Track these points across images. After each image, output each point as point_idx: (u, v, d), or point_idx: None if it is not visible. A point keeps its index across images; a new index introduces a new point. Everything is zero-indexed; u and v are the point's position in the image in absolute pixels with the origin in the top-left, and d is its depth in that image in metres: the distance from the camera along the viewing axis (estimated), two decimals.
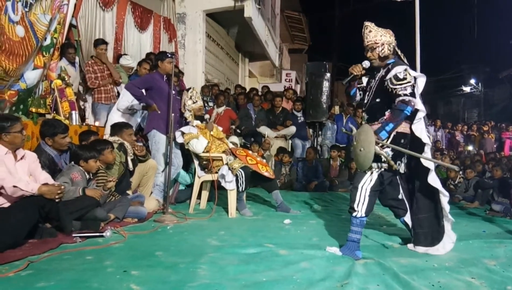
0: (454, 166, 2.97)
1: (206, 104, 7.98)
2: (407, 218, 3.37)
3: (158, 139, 4.81)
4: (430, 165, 3.09)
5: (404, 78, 2.97)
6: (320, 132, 8.88)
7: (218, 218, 4.45)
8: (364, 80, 3.40)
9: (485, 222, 4.84)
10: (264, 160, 5.22)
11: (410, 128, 3.10)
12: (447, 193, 3.16)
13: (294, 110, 8.67)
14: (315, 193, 6.84)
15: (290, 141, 8.61)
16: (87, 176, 3.80)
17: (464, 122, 15.17)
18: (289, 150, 8.32)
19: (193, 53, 9.23)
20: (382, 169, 3.03)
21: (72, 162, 3.84)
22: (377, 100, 3.15)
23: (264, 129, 8.27)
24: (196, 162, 4.85)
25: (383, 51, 3.11)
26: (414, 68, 8.19)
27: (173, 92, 4.69)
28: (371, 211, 3.07)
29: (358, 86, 3.38)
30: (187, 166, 5.40)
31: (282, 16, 16.25)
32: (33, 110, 4.70)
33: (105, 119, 5.48)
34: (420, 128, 3.07)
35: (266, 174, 4.70)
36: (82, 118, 5.47)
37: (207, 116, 5.07)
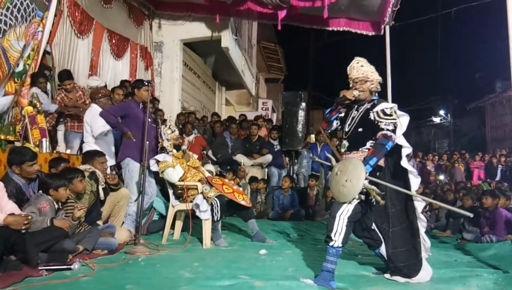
0: (468, 212, 3.09)
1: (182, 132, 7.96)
2: (382, 250, 3.39)
3: (132, 168, 4.74)
4: (412, 192, 3.19)
5: (390, 115, 3.13)
6: (296, 161, 8.94)
7: (192, 249, 4.36)
8: (342, 110, 3.50)
9: (456, 250, 4.91)
10: (241, 188, 5.20)
11: (385, 161, 3.24)
12: (424, 219, 3.25)
13: (270, 138, 8.73)
14: (291, 222, 6.82)
15: (266, 170, 8.63)
16: (56, 206, 3.68)
17: (434, 152, 15.59)
18: (265, 178, 8.32)
19: (169, 81, 9.26)
20: (359, 200, 3.06)
21: (40, 191, 3.71)
22: (359, 129, 3.25)
23: (240, 157, 8.27)
24: (170, 191, 4.78)
25: (372, 86, 3.29)
26: (385, 99, 8.42)
27: (149, 120, 4.66)
28: (347, 241, 3.08)
29: (339, 115, 3.47)
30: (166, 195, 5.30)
31: (259, 46, 16.58)
32: (2, 137, 4.55)
33: (77, 147, 5.37)
34: (405, 162, 3.21)
35: (242, 202, 4.67)
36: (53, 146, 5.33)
37: (184, 147, 5.06)
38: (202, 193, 4.55)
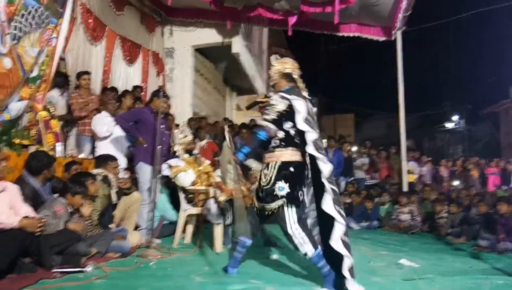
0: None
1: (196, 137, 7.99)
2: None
3: (144, 171, 4.79)
4: (327, 189, 3.00)
5: (273, 105, 3.14)
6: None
7: (203, 253, 4.36)
8: None
9: (471, 258, 4.82)
10: (252, 193, 5.18)
11: (307, 156, 3.13)
12: (343, 221, 2.95)
13: None
14: None
15: None
16: (70, 209, 3.71)
17: (448, 158, 15.41)
18: None
19: (181, 87, 9.30)
20: (293, 205, 3.06)
21: (56, 194, 3.76)
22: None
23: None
24: (182, 195, 4.79)
25: (273, 81, 3.33)
26: (396, 105, 8.38)
27: (162, 126, 4.71)
28: (314, 239, 3.08)
29: None
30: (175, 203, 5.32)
31: (269, 52, 16.62)
32: (17, 141, 4.63)
33: (89, 151, 5.42)
34: (311, 148, 3.06)
35: None
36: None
37: (195, 151, 5.07)
38: (213, 197, 4.55)
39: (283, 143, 3.16)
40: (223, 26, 8.73)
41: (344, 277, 2.85)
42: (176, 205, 5.33)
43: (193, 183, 4.68)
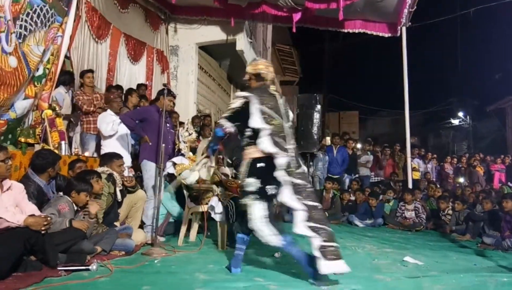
0: None
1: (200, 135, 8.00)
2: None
3: (149, 168, 4.80)
4: (283, 181, 3.11)
5: (231, 103, 3.31)
6: (311, 163, 8.90)
7: (207, 251, 4.37)
8: None
9: (476, 255, 4.81)
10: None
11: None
12: (302, 207, 3.07)
13: None
14: None
15: None
16: (75, 208, 3.73)
17: (453, 155, 15.33)
18: None
19: (185, 84, 9.31)
20: (258, 197, 3.12)
21: (61, 193, 3.78)
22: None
23: None
24: (186, 193, 4.81)
25: (246, 81, 3.49)
26: (402, 101, 8.36)
27: (168, 125, 4.70)
28: (280, 227, 3.17)
29: None
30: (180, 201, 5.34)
31: (273, 49, 16.57)
32: (22, 140, 4.67)
33: (93, 149, 5.45)
34: (263, 144, 3.14)
35: None
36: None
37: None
38: (217, 195, 4.56)
39: (252, 141, 3.23)
40: (227, 24, 8.71)
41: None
42: (181, 203, 5.34)
43: (198, 181, 4.68)
